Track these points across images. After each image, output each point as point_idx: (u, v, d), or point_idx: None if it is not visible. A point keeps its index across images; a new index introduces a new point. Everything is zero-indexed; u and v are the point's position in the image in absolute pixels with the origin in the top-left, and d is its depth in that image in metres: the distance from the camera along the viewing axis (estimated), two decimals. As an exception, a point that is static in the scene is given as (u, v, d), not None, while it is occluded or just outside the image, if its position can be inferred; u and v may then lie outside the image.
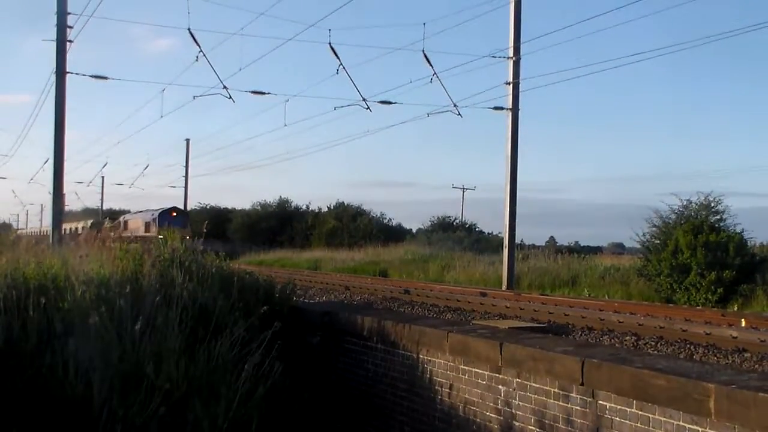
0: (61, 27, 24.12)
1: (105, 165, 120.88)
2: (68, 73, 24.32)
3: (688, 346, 10.71)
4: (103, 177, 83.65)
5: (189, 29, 24.41)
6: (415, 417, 10.61)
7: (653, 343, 10.94)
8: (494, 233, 62.12)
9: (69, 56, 24.33)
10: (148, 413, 8.50)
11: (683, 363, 7.87)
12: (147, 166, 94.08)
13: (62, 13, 24.14)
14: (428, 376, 10.36)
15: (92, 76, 26.34)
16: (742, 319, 12.86)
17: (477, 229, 67.98)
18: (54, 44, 24.19)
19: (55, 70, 24.24)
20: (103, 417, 8.36)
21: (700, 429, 6.65)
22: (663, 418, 7.00)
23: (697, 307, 14.61)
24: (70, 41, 24.34)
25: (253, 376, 9.48)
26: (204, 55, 24.91)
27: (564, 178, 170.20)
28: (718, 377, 6.79)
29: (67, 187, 38.59)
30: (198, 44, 24.72)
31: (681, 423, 6.82)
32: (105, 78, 26.80)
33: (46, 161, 37.01)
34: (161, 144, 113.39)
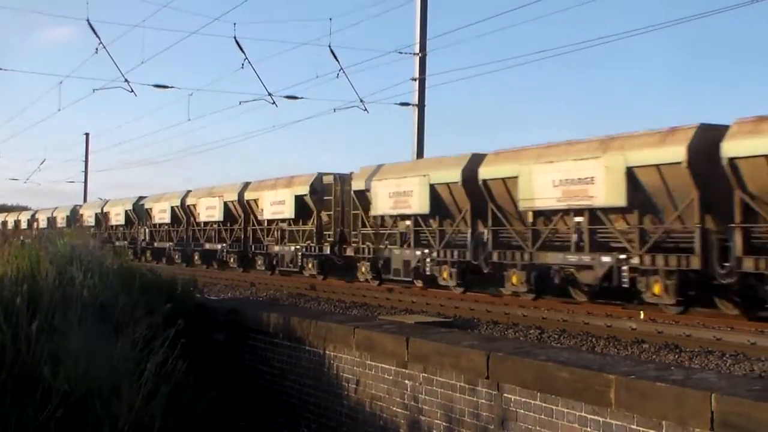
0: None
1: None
2: (-44, 61, 23.28)
3: (590, 338, 10.98)
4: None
5: (88, 20, 23.71)
6: (322, 413, 10.56)
7: (557, 336, 11.18)
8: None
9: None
10: (44, 416, 8.19)
11: (585, 355, 8.07)
12: (44, 161, 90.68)
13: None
14: (335, 372, 10.33)
15: (-19, 66, 25.33)
16: (641, 312, 13.24)
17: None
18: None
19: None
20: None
21: (601, 419, 6.81)
22: (566, 410, 7.14)
23: (598, 301, 14.94)
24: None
25: (155, 375, 9.28)
26: (104, 47, 24.22)
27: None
28: (618, 368, 6.97)
29: (-43, 182, 36.97)
30: (98, 35, 24.02)
31: (583, 414, 6.97)
32: (-5, 68, 25.81)
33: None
34: (59, 138, 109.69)
